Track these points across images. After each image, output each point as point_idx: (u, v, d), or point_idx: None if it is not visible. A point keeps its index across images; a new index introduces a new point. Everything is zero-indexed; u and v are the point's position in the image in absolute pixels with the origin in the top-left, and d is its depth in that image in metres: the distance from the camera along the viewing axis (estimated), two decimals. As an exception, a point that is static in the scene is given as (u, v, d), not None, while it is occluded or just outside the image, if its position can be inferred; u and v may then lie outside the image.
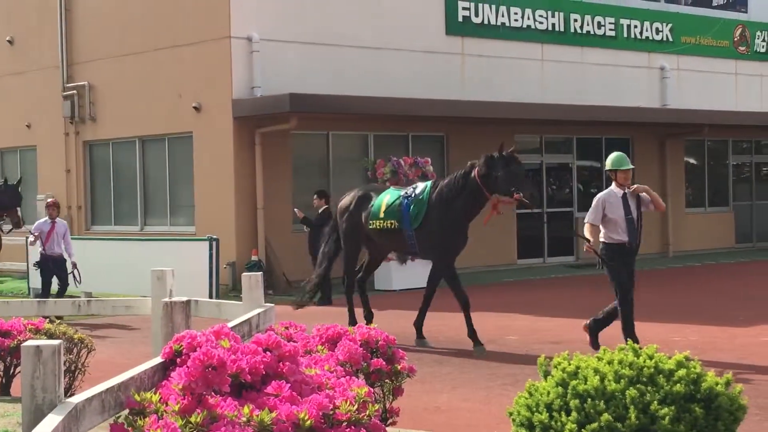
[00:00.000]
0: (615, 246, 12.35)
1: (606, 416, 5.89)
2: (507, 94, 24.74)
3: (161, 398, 4.56)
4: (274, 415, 4.48)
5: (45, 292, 17.90)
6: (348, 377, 5.57)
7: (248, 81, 21.85)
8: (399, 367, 7.17)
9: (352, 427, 4.76)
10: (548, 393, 6.23)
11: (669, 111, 27.91)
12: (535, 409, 6.22)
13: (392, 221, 14.04)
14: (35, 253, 18.44)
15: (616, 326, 12.25)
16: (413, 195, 14.07)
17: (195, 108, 22.30)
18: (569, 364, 6.38)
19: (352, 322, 14.10)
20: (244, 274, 7.83)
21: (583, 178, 27.79)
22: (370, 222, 14.29)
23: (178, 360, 4.94)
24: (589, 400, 6.02)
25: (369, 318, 14.54)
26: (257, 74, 21.82)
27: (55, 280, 18.01)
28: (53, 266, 17.92)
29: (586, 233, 12.38)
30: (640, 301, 17.90)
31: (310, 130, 22.46)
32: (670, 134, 28.39)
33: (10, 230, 19.59)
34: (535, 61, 26.25)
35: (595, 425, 5.89)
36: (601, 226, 12.36)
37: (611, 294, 12.57)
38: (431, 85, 23.86)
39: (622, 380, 6.10)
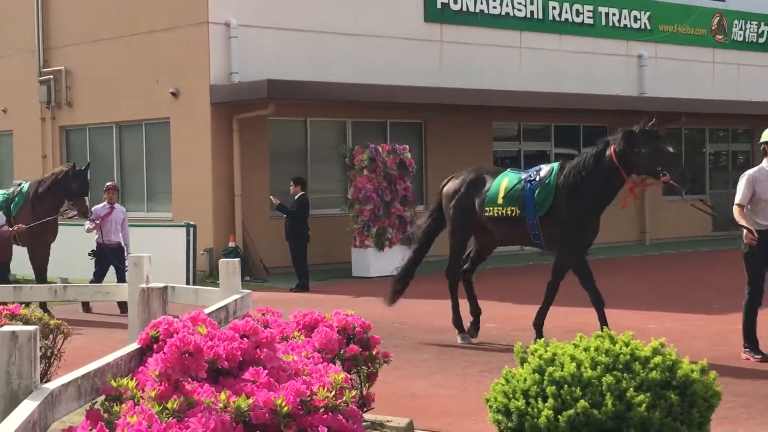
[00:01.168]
0: (762, 232, 11.10)
1: (582, 403, 5.91)
2: (485, 81, 24.75)
3: (138, 384, 4.55)
4: (251, 401, 4.48)
5: (96, 281, 16.63)
6: (325, 363, 5.57)
7: (226, 67, 21.77)
8: (375, 353, 7.17)
9: (330, 413, 4.75)
10: (525, 380, 6.26)
11: (647, 99, 27.98)
12: (511, 395, 6.24)
13: (513, 208, 12.44)
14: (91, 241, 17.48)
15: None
16: (537, 178, 12.46)
17: (172, 94, 22.22)
18: (546, 351, 6.41)
19: (457, 319, 13.09)
20: (222, 260, 7.82)
21: (561, 166, 27.82)
22: (486, 209, 12.68)
23: (155, 346, 4.93)
24: (566, 386, 6.05)
25: (477, 315, 13.16)
26: (235, 60, 21.75)
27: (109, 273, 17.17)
28: (111, 256, 16.93)
29: (736, 215, 11.40)
30: (617, 289, 18.00)
31: (288, 117, 22.42)
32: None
33: (74, 216, 17.93)
34: (513, 49, 26.26)
35: (571, 412, 5.92)
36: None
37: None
38: (410, 72, 23.83)
39: (598, 367, 6.13)
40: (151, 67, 22.73)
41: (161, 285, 6.62)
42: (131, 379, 4.60)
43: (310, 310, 7.36)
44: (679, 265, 23.47)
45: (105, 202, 17.35)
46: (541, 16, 26.68)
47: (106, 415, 4.30)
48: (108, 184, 17.90)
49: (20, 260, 17.51)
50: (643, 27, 28.80)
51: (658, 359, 6.16)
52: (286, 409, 4.51)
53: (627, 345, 6.32)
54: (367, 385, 7.31)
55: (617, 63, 28.41)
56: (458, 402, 9.58)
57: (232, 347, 4.84)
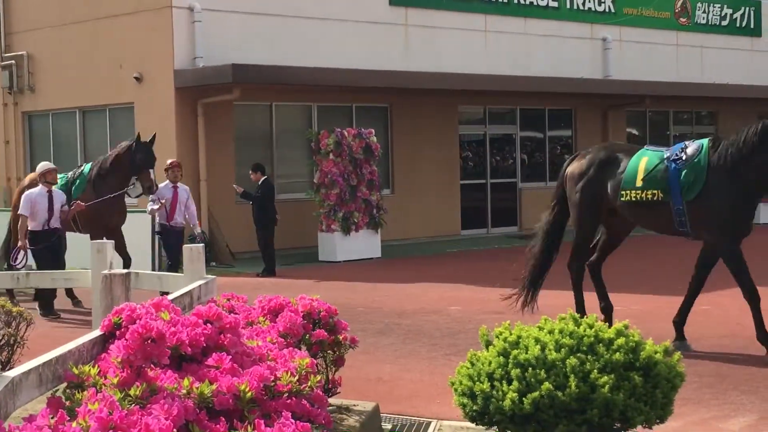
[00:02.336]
0: None
1: (547, 385, 5.94)
2: (451, 65, 24.74)
3: (100, 371, 4.52)
4: (214, 387, 4.46)
5: (173, 265, 15.57)
6: (290, 349, 5.56)
7: (190, 51, 21.64)
8: (341, 338, 7.16)
9: (294, 398, 4.75)
10: (490, 363, 6.27)
11: (611, 82, 28.09)
12: (476, 378, 6.25)
13: (655, 191, 11.07)
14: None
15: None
16: (684, 158, 10.99)
17: (136, 78, 22.07)
18: (510, 334, 6.43)
19: (581, 311, 11.36)
20: (185, 246, 7.77)
21: (527, 149, 27.92)
22: (622, 193, 11.30)
23: (118, 333, 4.89)
24: (530, 369, 6.07)
25: (608, 311, 11.77)
26: (199, 45, 21.62)
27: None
28: (175, 240, 15.89)
29: None
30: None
31: (253, 101, 22.34)
32: (612, 105, 28.60)
33: (140, 195, 16.80)
34: (478, 32, 26.26)
35: (536, 394, 5.94)
36: None
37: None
38: (375, 56, 23.79)
39: (562, 349, 6.15)
40: (114, 51, 22.56)
41: (124, 271, 6.58)
42: (93, 366, 4.56)
43: (275, 295, 7.34)
44: (644, 247, 23.58)
45: (167, 182, 16.23)
46: (506, 0, 26.69)
47: (68, 403, 4.27)
48: (171, 161, 16.72)
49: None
50: (607, 10, 28.88)
51: (621, 341, 6.20)
52: (249, 394, 4.49)
53: (591, 327, 6.34)
54: (333, 369, 7.30)
55: (582, 46, 28.47)
56: (424, 385, 9.60)
57: (196, 333, 4.82)
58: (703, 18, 31.55)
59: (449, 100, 25.33)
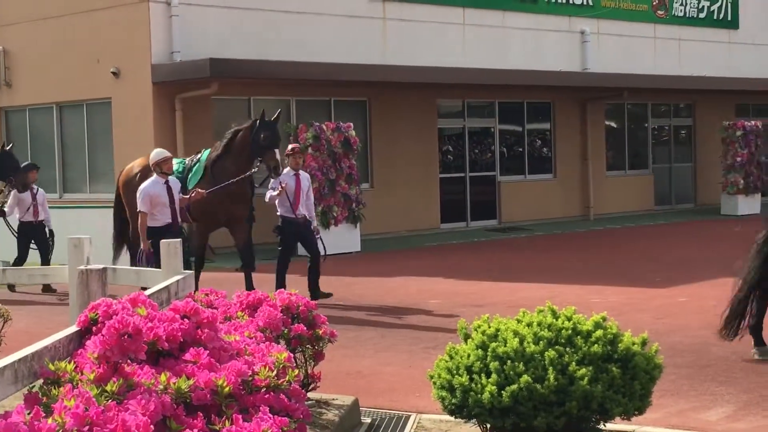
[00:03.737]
0: None
1: (525, 378, 5.95)
2: (429, 58, 24.73)
3: (76, 367, 4.49)
4: (191, 382, 4.44)
5: (315, 263, 14.52)
6: (268, 343, 5.54)
7: (167, 46, 21.56)
8: (320, 332, 7.16)
9: (272, 392, 4.73)
10: (468, 356, 6.28)
11: (589, 75, 28.15)
12: (455, 371, 6.27)
13: None
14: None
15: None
16: None
17: (113, 73, 21.97)
18: (489, 327, 6.44)
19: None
20: (163, 241, 7.75)
21: (506, 142, 27.95)
22: None
23: (94, 328, 4.86)
24: (509, 362, 6.08)
25: None
26: (177, 39, 21.54)
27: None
28: (297, 233, 14.51)
29: None
30: (562, 264, 18.14)
31: (231, 96, 22.27)
32: (591, 98, 28.66)
33: (265, 180, 15.18)
34: (456, 26, 26.25)
35: (514, 387, 5.95)
36: None
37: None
38: (353, 50, 23.76)
39: (541, 342, 6.17)
40: (91, 46, 22.45)
41: (100, 266, 6.55)
42: (70, 362, 4.53)
43: (254, 290, 7.33)
44: (623, 239, 23.68)
45: (288, 168, 14.50)
46: (484, -7, 26.70)
47: (44, 399, 4.23)
48: (293, 145, 15.16)
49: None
50: (585, 3, 28.90)
51: (599, 333, 6.22)
52: (227, 389, 4.48)
53: (569, 319, 6.37)
54: (312, 364, 7.30)
55: (560, 39, 28.51)
56: (403, 379, 9.60)
57: (173, 328, 4.79)
58: (681, 10, 31.63)
59: (428, 93, 25.33)
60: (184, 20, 21.57)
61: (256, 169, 14.57)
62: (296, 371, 5.14)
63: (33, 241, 17.39)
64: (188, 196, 13.41)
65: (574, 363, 6.02)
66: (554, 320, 6.36)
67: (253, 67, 21.41)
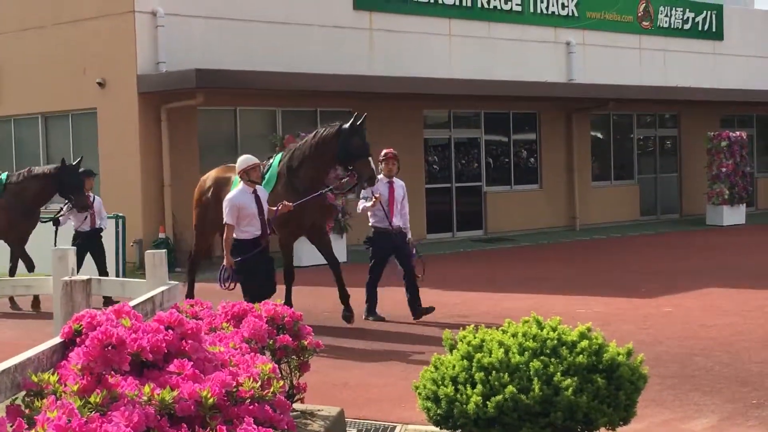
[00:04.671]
0: None
1: (510, 388, 5.95)
2: (415, 69, 24.77)
3: (60, 379, 4.47)
4: (175, 393, 4.43)
5: (411, 281, 13.58)
6: (253, 354, 5.53)
7: (153, 56, 21.54)
8: (305, 343, 7.14)
9: (256, 404, 4.72)
10: (454, 366, 6.28)
11: (575, 86, 28.23)
12: (440, 382, 6.26)
13: None
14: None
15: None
16: None
17: (99, 84, 21.93)
18: (474, 338, 6.44)
19: None
20: (148, 251, 7.73)
21: (492, 153, 27.98)
22: None
23: (78, 339, 4.85)
24: (494, 372, 6.08)
25: None
26: (162, 49, 21.52)
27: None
28: (391, 245, 13.47)
29: None
30: (547, 274, 18.16)
31: (217, 106, 22.26)
32: (577, 109, 28.73)
33: (354, 187, 13.98)
34: (442, 36, 26.31)
35: (499, 397, 5.95)
36: None
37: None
38: (339, 61, 23.78)
39: (526, 352, 6.18)
40: (77, 56, 22.42)
41: (85, 277, 6.53)
42: (53, 374, 4.52)
43: (239, 301, 7.32)
44: (608, 249, 23.73)
45: (381, 176, 13.53)
46: (470, 4, 26.75)
47: (27, 411, 4.22)
48: (387, 150, 14.01)
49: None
50: (570, 14, 29.00)
51: (584, 343, 6.23)
52: (211, 400, 4.47)
53: (554, 330, 6.37)
54: (297, 375, 7.28)
55: (546, 50, 28.59)
56: (389, 390, 9.59)
57: (157, 339, 4.78)
58: (666, 22, 31.76)
59: (414, 104, 25.35)
60: (169, 31, 21.56)
61: (346, 180, 13.62)
62: (281, 382, 5.14)
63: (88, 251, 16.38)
64: (275, 209, 12.22)
65: (559, 373, 6.02)
66: (539, 331, 6.37)
67: (239, 78, 21.40)
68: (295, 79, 22.08)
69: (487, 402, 5.97)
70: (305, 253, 20.98)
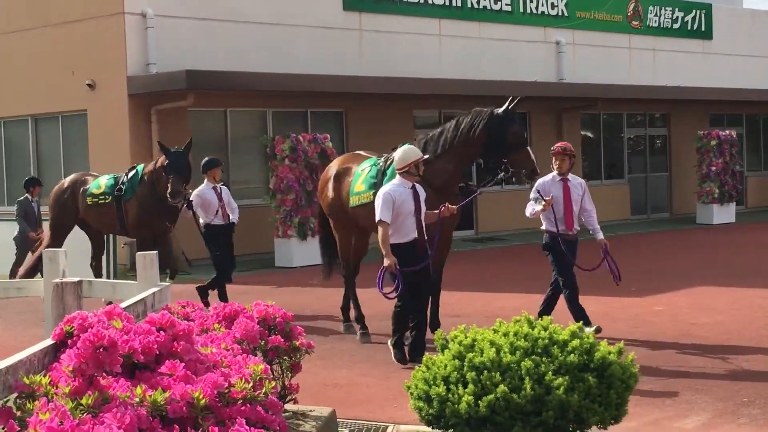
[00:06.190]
0: None
1: (502, 387, 5.96)
2: (405, 69, 24.78)
3: (51, 381, 4.47)
4: (167, 394, 4.42)
5: (572, 294, 11.60)
6: (245, 355, 5.53)
7: (143, 58, 21.51)
8: (297, 344, 7.14)
9: (248, 405, 4.72)
10: (445, 366, 6.29)
11: (565, 85, 28.27)
12: (432, 382, 6.27)
13: None
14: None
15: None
16: None
17: (89, 85, 21.90)
18: (466, 337, 6.45)
19: None
20: (138, 253, 7.72)
21: (482, 153, 27.97)
22: None
23: (69, 341, 4.85)
24: (485, 372, 6.09)
25: None
26: (152, 51, 21.49)
27: None
28: (570, 251, 11.58)
29: None
30: (539, 274, 18.16)
31: (207, 107, 22.24)
32: (567, 108, 28.76)
33: (488, 182, 12.29)
34: (432, 37, 26.32)
35: (491, 397, 5.96)
36: None
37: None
38: (329, 61, 23.78)
39: (517, 352, 6.18)
40: (66, 58, 22.38)
41: (75, 279, 6.52)
42: (45, 376, 4.51)
43: (230, 302, 7.32)
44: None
45: (553, 174, 11.84)
46: (459, 4, 26.77)
47: (18, 413, 4.22)
48: (562, 144, 12.09)
49: None
50: (560, 13, 29.04)
51: (575, 343, 6.23)
52: (203, 401, 4.46)
53: (545, 329, 6.38)
54: (289, 375, 7.28)
55: (536, 49, 28.63)
56: (381, 390, 9.60)
57: (149, 341, 4.78)
58: (655, 21, 31.82)
59: (404, 104, 25.36)
60: (159, 32, 21.54)
61: (502, 174, 11.65)
62: (273, 383, 5.14)
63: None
64: (437, 211, 10.45)
65: (550, 373, 6.03)
66: (531, 330, 6.37)
67: (229, 79, 21.39)
68: (285, 79, 22.07)
69: (479, 401, 5.97)
70: (296, 254, 21.01)
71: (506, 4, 27.81)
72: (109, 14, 21.64)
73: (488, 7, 27.39)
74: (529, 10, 28.33)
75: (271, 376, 5.52)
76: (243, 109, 23.18)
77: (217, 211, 14.50)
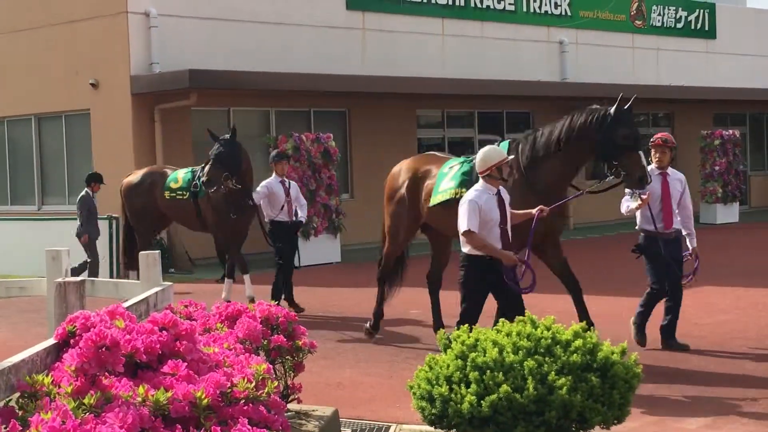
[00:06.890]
0: None
1: (505, 387, 5.95)
2: (408, 68, 24.77)
3: (54, 380, 4.47)
4: (170, 394, 4.43)
5: (675, 302, 11.14)
6: (247, 354, 5.53)
7: (146, 57, 21.51)
8: (300, 343, 7.14)
9: (251, 404, 4.72)
10: (448, 366, 6.28)
11: (568, 85, 28.24)
12: (435, 382, 6.26)
13: None
14: None
15: None
16: None
17: (92, 85, 21.91)
18: (468, 337, 6.44)
19: None
20: (141, 252, 7.72)
21: (485, 152, 27.96)
22: None
23: (72, 341, 4.85)
24: (488, 371, 6.08)
25: None
26: (155, 50, 21.50)
27: None
28: (666, 251, 11.01)
29: None
30: (542, 274, 18.12)
31: (210, 107, 22.23)
32: (570, 108, 28.59)
33: (601, 187, 11.37)
34: (436, 36, 26.31)
35: (494, 397, 5.95)
36: None
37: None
38: (333, 61, 23.77)
39: (520, 351, 6.18)
40: (70, 58, 22.39)
41: (78, 278, 6.52)
42: (47, 375, 4.51)
43: (233, 301, 7.32)
44: (602, 248, 23.73)
45: (652, 167, 10.97)
46: (462, 3, 26.76)
47: (21, 413, 4.22)
48: (662, 136, 11.33)
49: None
50: (563, 13, 29.02)
51: (579, 342, 6.23)
52: (205, 401, 4.46)
53: (548, 329, 6.37)
54: (292, 375, 7.28)
55: (539, 49, 28.61)
56: (384, 389, 9.59)
57: (151, 340, 4.78)
58: (659, 20, 31.80)
59: (407, 103, 25.35)
60: (163, 31, 21.54)
61: (611, 178, 10.83)
62: (275, 382, 5.14)
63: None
64: (535, 213, 9.59)
65: (553, 372, 6.02)
66: (533, 330, 6.37)
67: (232, 78, 21.39)
68: (288, 79, 22.06)
69: (482, 401, 5.96)
70: (299, 254, 20.97)
71: (509, 4, 27.80)
72: (112, 14, 21.64)
73: (491, 7, 27.38)
74: (532, 10, 28.31)
75: (274, 376, 5.52)
76: (246, 108, 23.18)
77: (283, 206, 14.06)
